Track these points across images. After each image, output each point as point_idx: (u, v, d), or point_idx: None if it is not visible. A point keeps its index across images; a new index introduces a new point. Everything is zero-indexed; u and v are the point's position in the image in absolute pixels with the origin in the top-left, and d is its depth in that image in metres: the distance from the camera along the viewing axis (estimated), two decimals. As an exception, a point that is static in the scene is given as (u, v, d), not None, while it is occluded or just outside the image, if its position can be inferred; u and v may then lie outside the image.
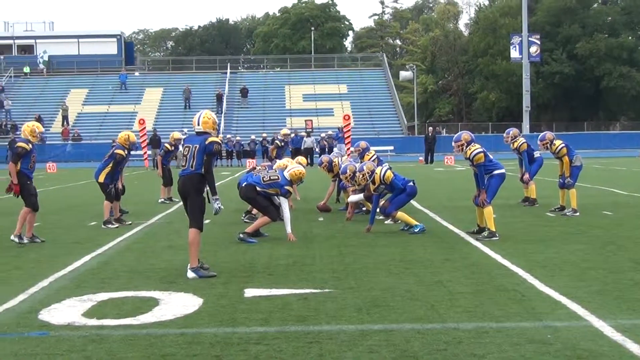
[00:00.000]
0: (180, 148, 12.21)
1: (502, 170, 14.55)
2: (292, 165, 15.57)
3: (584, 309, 8.26)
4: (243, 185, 15.19)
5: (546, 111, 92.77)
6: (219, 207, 11.01)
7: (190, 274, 10.60)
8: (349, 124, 48.58)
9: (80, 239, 14.95)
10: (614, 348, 6.87)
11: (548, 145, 18.18)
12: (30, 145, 14.35)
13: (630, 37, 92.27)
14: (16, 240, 14.13)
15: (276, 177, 14.71)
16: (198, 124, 11.10)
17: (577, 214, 17.47)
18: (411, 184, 15.59)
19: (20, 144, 14.32)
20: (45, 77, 77.89)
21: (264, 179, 14.74)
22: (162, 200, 22.67)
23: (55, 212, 19.85)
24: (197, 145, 10.87)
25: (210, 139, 10.91)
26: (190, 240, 10.80)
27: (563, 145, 17.99)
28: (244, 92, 72.35)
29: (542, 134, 18.91)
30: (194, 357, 6.81)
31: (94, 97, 73.25)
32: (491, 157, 14.64)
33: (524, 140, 19.98)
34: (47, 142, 53.88)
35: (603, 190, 24.36)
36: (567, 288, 9.33)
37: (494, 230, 14.04)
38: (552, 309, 8.37)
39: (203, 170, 10.84)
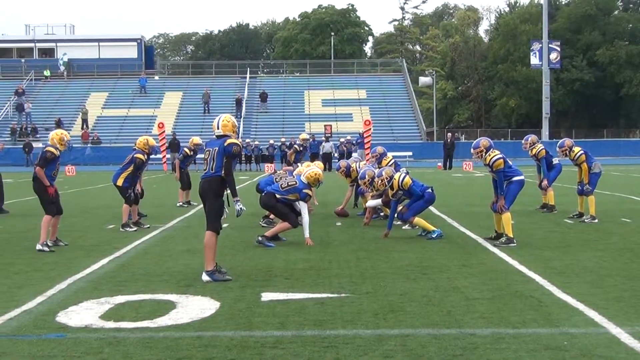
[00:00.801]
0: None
1: (521, 177, 14.50)
2: (307, 169, 15.59)
3: (601, 315, 8.24)
4: (263, 194, 15.25)
5: (566, 118, 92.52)
6: (241, 209, 11.03)
7: (205, 277, 10.62)
8: (370, 129, 48.53)
9: (99, 242, 15.00)
10: (631, 355, 6.85)
11: (567, 152, 18.16)
12: (58, 152, 14.41)
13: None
14: (45, 249, 13.94)
15: (294, 183, 14.74)
16: (218, 128, 11.16)
17: (596, 220, 17.41)
18: (429, 190, 15.55)
19: (49, 149, 14.34)
20: (66, 80, 78.27)
21: (282, 186, 14.76)
22: (180, 204, 22.73)
23: (74, 215, 19.92)
24: (217, 148, 10.95)
25: (230, 141, 10.93)
26: (205, 242, 10.86)
27: (582, 152, 17.97)
28: (264, 97, 72.49)
29: (561, 140, 18.87)
30: (210, 360, 6.83)
31: (113, 100, 73.59)
32: (510, 163, 14.58)
33: (543, 147, 19.91)
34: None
35: (622, 198, 24.27)
36: (584, 295, 9.30)
37: (511, 236, 14.00)
38: (568, 315, 8.34)
39: (223, 172, 10.87)
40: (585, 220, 17.56)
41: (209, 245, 10.81)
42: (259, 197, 15.41)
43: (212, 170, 10.93)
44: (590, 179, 17.96)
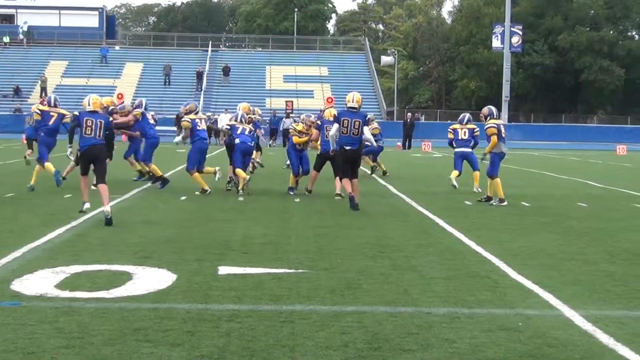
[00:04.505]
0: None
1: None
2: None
3: (556, 298, 8.30)
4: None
5: (525, 102, 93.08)
6: None
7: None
8: (332, 107, 48.43)
9: (55, 210, 14.87)
10: (584, 337, 6.91)
11: (483, 119, 17.91)
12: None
13: (611, 32, 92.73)
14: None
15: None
16: (89, 104, 14.42)
17: (505, 203, 17.29)
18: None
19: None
20: (25, 47, 77.31)
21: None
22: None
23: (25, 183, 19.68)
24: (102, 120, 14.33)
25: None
26: (102, 191, 13.65)
27: (495, 126, 17.54)
28: (226, 71, 72.16)
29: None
30: (166, 332, 6.79)
31: (73, 69, 72.89)
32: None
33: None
34: (24, 113, 53.45)
35: (579, 182, 24.49)
36: (540, 277, 9.37)
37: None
38: (524, 297, 8.41)
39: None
40: (493, 204, 17.41)
41: (105, 191, 13.63)
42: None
43: (98, 137, 14.13)
44: (492, 159, 17.55)
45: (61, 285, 8.45)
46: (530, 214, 16.19)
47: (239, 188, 18.48)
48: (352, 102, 16.03)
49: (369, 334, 6.84)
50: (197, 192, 18.03)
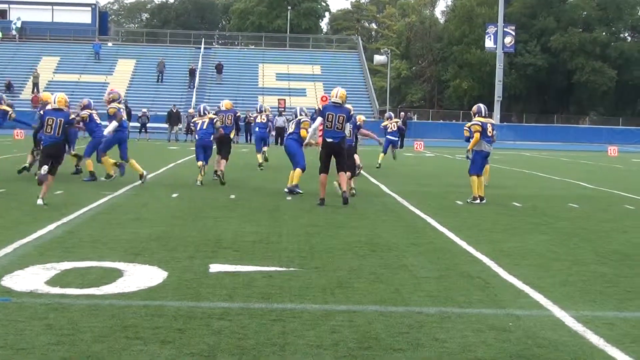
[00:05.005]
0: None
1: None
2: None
3: (547, 299, 8.32)
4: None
5: (517, 102, 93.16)
6: None
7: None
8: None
9: (46, 207, 14.83)
10: (574, 338, 6.93)
11: (472, 115, 18.01)
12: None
13: (604, 33, 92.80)
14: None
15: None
16: (54, 102, 15.66)
17: (477, 201, 17.48)
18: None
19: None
20: (17, 42, 77.11)
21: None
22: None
23: (21, 178, 19.67)
24: (62, 119, 15.32)
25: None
26: (49, 183, 15.01)
27: (479, 124, 17.63)
28: (219, 68, 72.05)
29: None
30: (156, 329, 6.78)
31: (65, 65, 72.71)
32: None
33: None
34: (16, 109, 53.26)
35: (570, 183, 24.53)
36: (531, 277, 9.38)
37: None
38: (514, 297, 8.42)
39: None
40: (468, 201, 17.62)
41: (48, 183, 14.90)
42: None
43: (57, 135, 15.20)
44: (473, 157, 17.76)
45: (52, 282, 8.43)
46: (521, 214, 16.20)
47: (198, 179, 19.85)
48: (336, 97, 16.68)
49: (360, 333, 6.84)
50: (102, 178, 19.65)
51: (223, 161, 20.90)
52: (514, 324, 7.30)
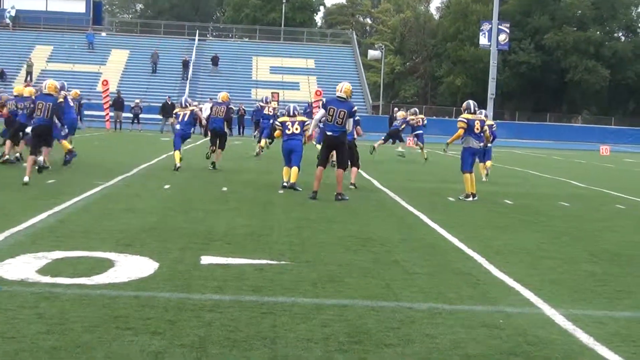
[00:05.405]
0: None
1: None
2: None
3: (537, 296, 8.34)
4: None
5: (511, 100, 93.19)
6: None
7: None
8: (320, 100, 48.43)
9: (38, 195, 14.81)
10: (564, 336, 6.95)
11: (462, 110, 18.07)
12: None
13: (598, 32, 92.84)
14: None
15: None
16: (45, 88, 17.23)
17: (469, 199, 17.53)
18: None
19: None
20: (11, 30, 76.83)
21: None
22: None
23: (13, 167, 19.64)
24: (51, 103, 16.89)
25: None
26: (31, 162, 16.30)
27: (465, 120, 17.64)
28: (215, 61, 71.88)
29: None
30: (147, 320, 6.78)
31: (58, 54, 72.43)
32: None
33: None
34: (8, 96, 53.18)
35: (562, 182, 24.57)
36: (522, 275, 9.40)
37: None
38: (505, 294, 8.44)
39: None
40: (460, 198, 17.67)
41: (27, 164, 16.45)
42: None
43: (46, 117, 16.83)
44: (462, 153, 17.86)
45: (43, 271, 8.42)
46: (513, 212, 16.23)
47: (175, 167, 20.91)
48: (340, 92, 16.89)
49: (351, 328, 6.85)
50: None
51: (219, 150, 22.40)
52: (505, 321, 7.31)
